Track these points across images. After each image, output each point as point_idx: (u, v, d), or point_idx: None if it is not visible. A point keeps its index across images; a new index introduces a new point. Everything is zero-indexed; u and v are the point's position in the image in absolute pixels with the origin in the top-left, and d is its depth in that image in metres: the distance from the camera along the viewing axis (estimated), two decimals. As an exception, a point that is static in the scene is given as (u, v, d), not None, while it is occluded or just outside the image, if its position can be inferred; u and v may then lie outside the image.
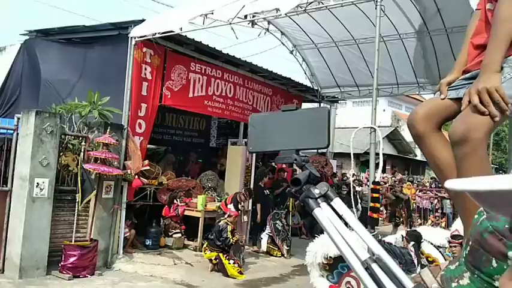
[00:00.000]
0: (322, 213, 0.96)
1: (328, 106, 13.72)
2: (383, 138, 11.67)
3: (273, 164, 12.57)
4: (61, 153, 7.07)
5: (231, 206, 8.54)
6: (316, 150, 12.60)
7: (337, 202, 0.98)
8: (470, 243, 0.98)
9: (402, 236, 6.29)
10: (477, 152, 1.32)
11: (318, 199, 0.97)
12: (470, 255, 0.97)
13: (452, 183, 0.51)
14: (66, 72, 8.94)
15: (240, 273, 7.77)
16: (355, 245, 0.95)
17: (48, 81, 9.07)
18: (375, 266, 0.93)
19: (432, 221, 14.66)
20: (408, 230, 6.77)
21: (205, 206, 9.13)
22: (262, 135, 1.08)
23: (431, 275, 1.39)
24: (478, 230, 0.95)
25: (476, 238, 0.95)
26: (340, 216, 0.99)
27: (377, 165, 6.18)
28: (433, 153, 1.51)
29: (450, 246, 6.04)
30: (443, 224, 13.55)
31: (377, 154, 5.99)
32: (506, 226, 0.89)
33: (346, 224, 0.98)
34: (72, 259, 6.71)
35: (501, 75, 1.35)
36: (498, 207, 0.54)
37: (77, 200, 7.03)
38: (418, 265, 5.79)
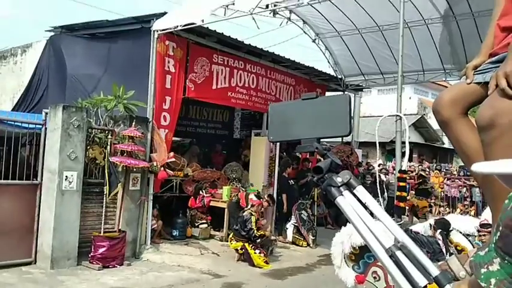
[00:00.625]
0: (344, 201, 0.96)
1: (353, 95, 13.58)
2: (409, 126, 11.49)
3: (297, 154, 12.54)
4: (88, 147, 7.21)
5: (252, 196, 8.56)
6: (341, 139, 12.49)
7: (360, 190, 0.97)
8: (500, 228, 0.95)
9: (430, 224, 6.20)
10: (505, 137, 1.29)
11: (341, 187, 0.96)
12: (500, 240, 0.95)
13: (479, 167, 0.50)
14: (91, 66, 9.08)
15: (266, 262, 7.82)
16: (379, 232, 0.94)
17: (74, 76, 9.24)
18: (399, 254, 0.92)
19: (461, 210, 14.40)
20: (436, 218, 6.65)
21: (231, 196, 9.19)
22: (282, 125, 1.08)
23: (459, 262, 1.37)
24: (509, 215, 0.93)
25: (507, 223, 0.93)
26: (363, 205, 0.98)
27: (403, 153, 6.09)
28: (460, 139, 1.48)
29: (479, 235, 5.93)
30: (472, 213, 13.28)
31: (403, 142, 5.90)
32: None
33: (370, 212, 0.97)
34: (101, 250, 6.87)
35: None
36: None
37: (105, 192, 7.18)
38: (446, 253, 5.71)
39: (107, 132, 7.46)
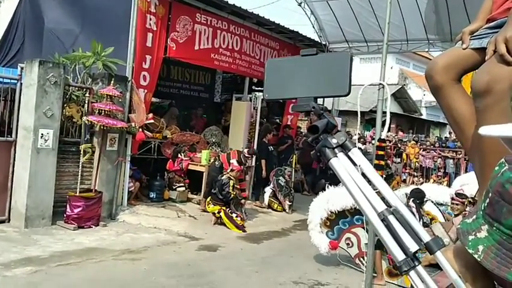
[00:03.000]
0: (339, 163, 0.93)
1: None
2: (390, 95, 11.52)
3: (278, 120, 12.52)
4: (65, 105, 7.03)
5: (234, 161, 8.56)
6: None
7: (355, 152, 0.94)
8: (490, 195, 0.94)
9: (405, 193, 6.32)
10: (500, 104, 1.27)
11: (335, 149, 0.93)
12: (489, 207, 0.94)
13: (488, 130, 0.48)
14: (69, 21, 8.73)
15: (243, 226, 7.90)
16: (371, 196, 0.92)
17: (51, 30, 8.88)
18: (391, 218, 0.90)
19: (434, 180, 14.75)
20: (413, 188, 6.79)
21: (209, 161, 9.17)
22: (279, 82, 1.03)
23: (443, 229, 1.37)
24: (499, 181, 0.92)
25: (497, 189, 0.92)
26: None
27: (383, 122, 6.11)
28: (452, 106, 1.46)
29: (452, 203, 6.09)
30: (445, 184, 13.62)
31: (384, 111, 5.90)
32: None
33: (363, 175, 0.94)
34: (77, 210, 6.81)
35: None
36: None
37: (81, 152, 7.06)
38: (420, 220, 5.87)
39: (84, 90, 7.27)
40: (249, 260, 6.29)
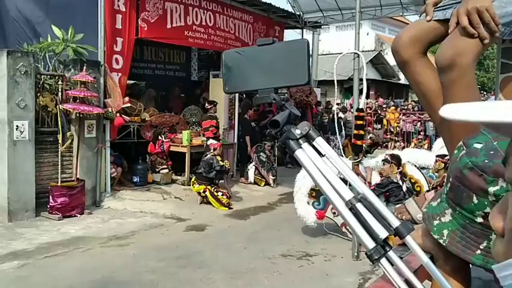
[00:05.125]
0: (303, 154, 0.91)
1: (311, 32, 13.41)
2: (367, 63, 11.52)
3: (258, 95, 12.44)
4: (38, 94, 6.88)
5: (211, 141, 8.53)
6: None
7: (319, 141, 0.92)
8: (450, 179, 0.94)
9: (384, 160, 6.40)
10: (465, 77, 1.26)
11: (299, 140, 0.91)
12: (451, 192, 0.95)
13: (447, 112, 0.46)
14: (34, 8, 8.42)
15: (228, 204, 7.93)
16: (338, 185, 0.91)
17: (15, 19, 8.57)
18: (359, 206, 0.89)
19: (415, 144, 14.96)
20: (390, 153, 6.89)
21: (191, 141, 9.12)
22: (238, 74, 0.99)
23: (416, 205, 1.38)
24: (457, 167, 0.92)
25: (457, 175, 0.92)
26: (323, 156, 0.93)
27: (361, 91, 6.12)
28: (419, 80, 1.44)
29: (436, 161, 6.21)
30: (425, 146, 13.83)
31: (361, 80, 5.91)
32: (486, 161, 0.86)
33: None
34: (60, 200, 6.75)
35: None
36: (499, 131, 0.52)
37: (59, 141, 6.95)
38: (403, 183, 5.99)
39: (57, 77, 7.10)
40: (237, 237, 6.34)
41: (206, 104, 9.43)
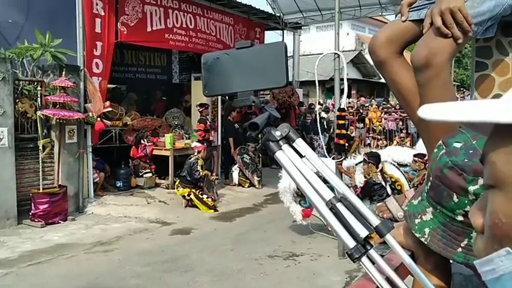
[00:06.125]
0: (283, 155, 0.92)
1: (291, 33, 13.46)
2: (347, 62, 11.61)
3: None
4: (17, 100, 6.77)
5: (196, 143, 8.52)
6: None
7: (299, 143, 0.93)
8: (430, 178, 0.96)
9: (365, 159, 6.42)
10: (440, 76, 1.28)
11: (280, 141, 0.92)
12: (431, 190, 0.96)
13: (425, 112, 0.47)
14: (11, 13, 8.29)
15: (214, 206, 7.91)
16: (318, 185, 0.92)
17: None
18: (339, 206, 0.90)
19: (397, 142, 15.12)
20: (368, 152, 6.94)
21: (174, 144, 9.07)
22: (217, 77, 1.00)
23: (397, 203, 1.40)
24: (437, 166, 0.93)
25: (436, 174, 0.93)
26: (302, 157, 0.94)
27: (342, 91, 6.17)
28: (395, 79, 1.46)
29: (414, 162, 6.28)
30: (408, 144, 13.99)
31: (342, 80, 5.96)
32: (466, 160, 0.87)
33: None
34: (42, 207, 6.65)
35: None
36: (477, 130, 0.54)
37: (39, 148, 6.85)
38: (386, 184, 6.03)
39: (35, 83, 7.00)
40: (223, 239, 6.33)
41: (198, 107, 9.40)
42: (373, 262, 0.89)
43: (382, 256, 0.93)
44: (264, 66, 0.96)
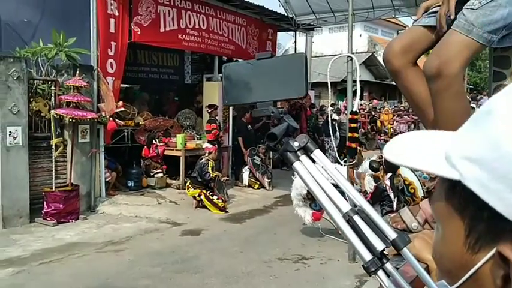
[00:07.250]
0: (301, 166, 0.92)
1: (304, 34, 13.44)
2: (360, 64, 11.56)
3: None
4: (31, 99, 6.85)
5: (207, 144, 8.54)
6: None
7: (318, 154, 0.93)
8: None
9: (371, 165, 6.30)
10: (452, 86, 1.26)
11: (297, 152, 0.92)
12: None
13: (391, 155, 0.51)
14: (26, 13, 8.40)
15: (224, 207, 7.92)
16: (336, 197, 0.92)
17: (8, 24, 8.54)
18: (356, 218, 0.90)
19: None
20: (380, 155, 6.87)
21: (185, 144, 9.11)
22: (237, 86, 1.01)
23: (411, 214, 1.39)
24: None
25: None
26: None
27: (354, 93, 6.14)
28: (410, 88, 1.44)
29: None
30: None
31: (354, 82, 5.93)
32: None
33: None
34: (54, 205, 6.73)
35: None
36: None
37: (52, 147, 6.92)
38: (395, 198, 5.92)
39: (50, 83, 7.08)
40: (233, 241, 6.33)
41: (207, 108, 9.45)
42: (388, 275, 0.88)
43: (397, 269, 0.93)
44: (283, 76, 0.96)
